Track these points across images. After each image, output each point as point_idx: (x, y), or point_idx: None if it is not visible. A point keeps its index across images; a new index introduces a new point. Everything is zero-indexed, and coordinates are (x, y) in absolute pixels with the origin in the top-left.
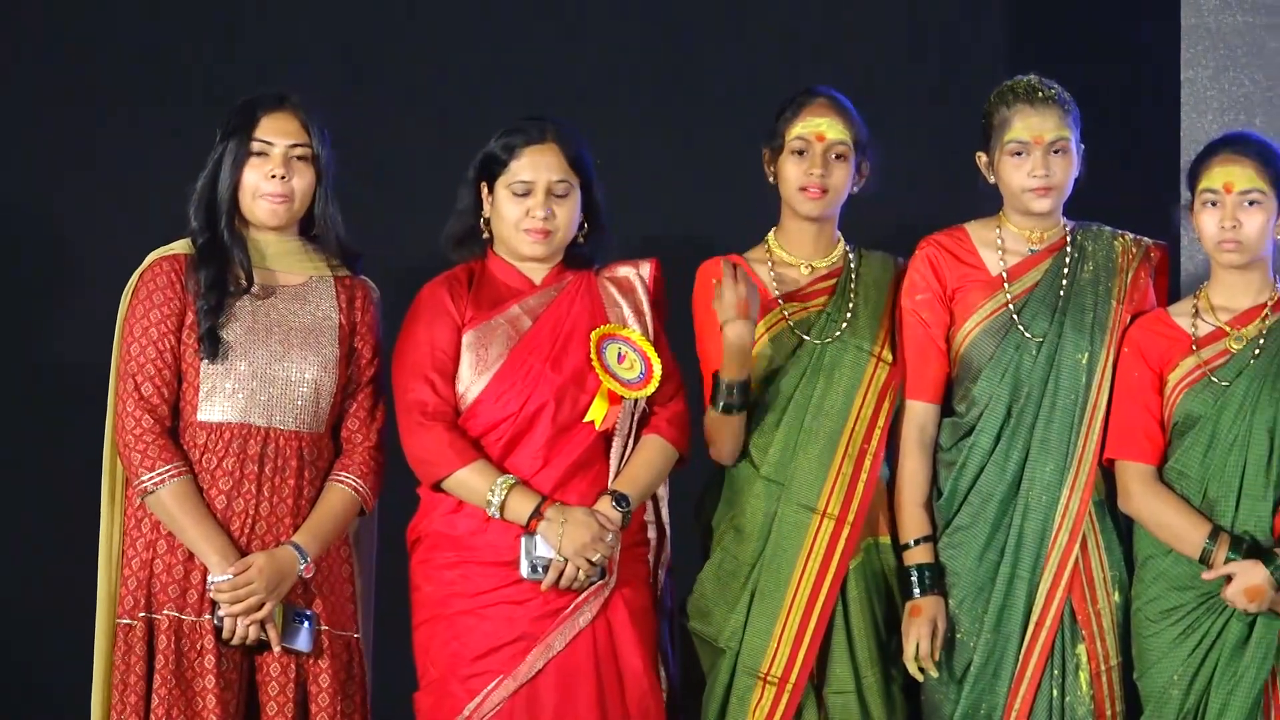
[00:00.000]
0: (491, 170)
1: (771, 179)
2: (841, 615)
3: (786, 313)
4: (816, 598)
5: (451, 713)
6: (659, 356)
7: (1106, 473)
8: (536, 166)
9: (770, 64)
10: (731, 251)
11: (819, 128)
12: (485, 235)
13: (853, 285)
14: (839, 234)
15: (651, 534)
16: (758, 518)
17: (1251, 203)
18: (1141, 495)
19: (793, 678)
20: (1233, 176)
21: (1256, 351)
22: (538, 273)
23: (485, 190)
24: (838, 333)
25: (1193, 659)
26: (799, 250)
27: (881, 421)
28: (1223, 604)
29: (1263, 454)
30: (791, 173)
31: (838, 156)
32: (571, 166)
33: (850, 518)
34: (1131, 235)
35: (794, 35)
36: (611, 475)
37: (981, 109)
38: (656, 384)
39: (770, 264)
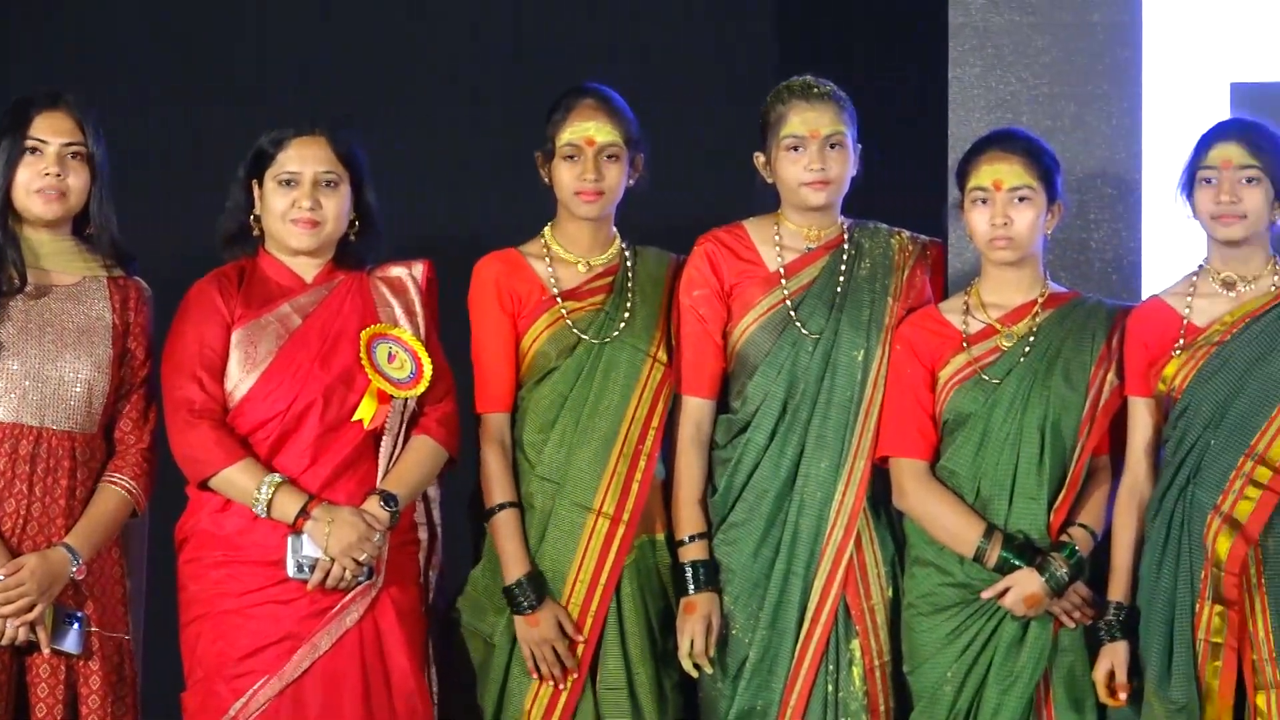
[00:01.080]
0: (260, 165)
1: (546, 180)
2: (615, 612)
3: (565, 310)
4: (592, 596)
5: (217, 712)
6: (430, 357)
7: (881, 469)
8: (304, 158)
9: (543, 61)
10: (507, 246)
11: (588, 131)
12: (256, 233)
13: (630, 283)
14: (615, 230)
15: (423, 535)
16: (533, 516)
17: (1021, 199)
18: (916, 492)
19: (569, 676)
20: (1001, 174)
21: (1027, 349)
22: (309, 271)
23: (256, 187)
24: (615, 332)
25: (965, 657)
26: (576, 247)
27: (656, 421)
28: (995, 603)
29: (1034, 452)
30: (565, 177)
31: (609, 157)
32: (340, 160)
33: (625, 516)
34: (908, 233)
35: (568, 32)
36: (380, 474)
37: (753, 106)
38: (427, 384)
39: (548, 260)
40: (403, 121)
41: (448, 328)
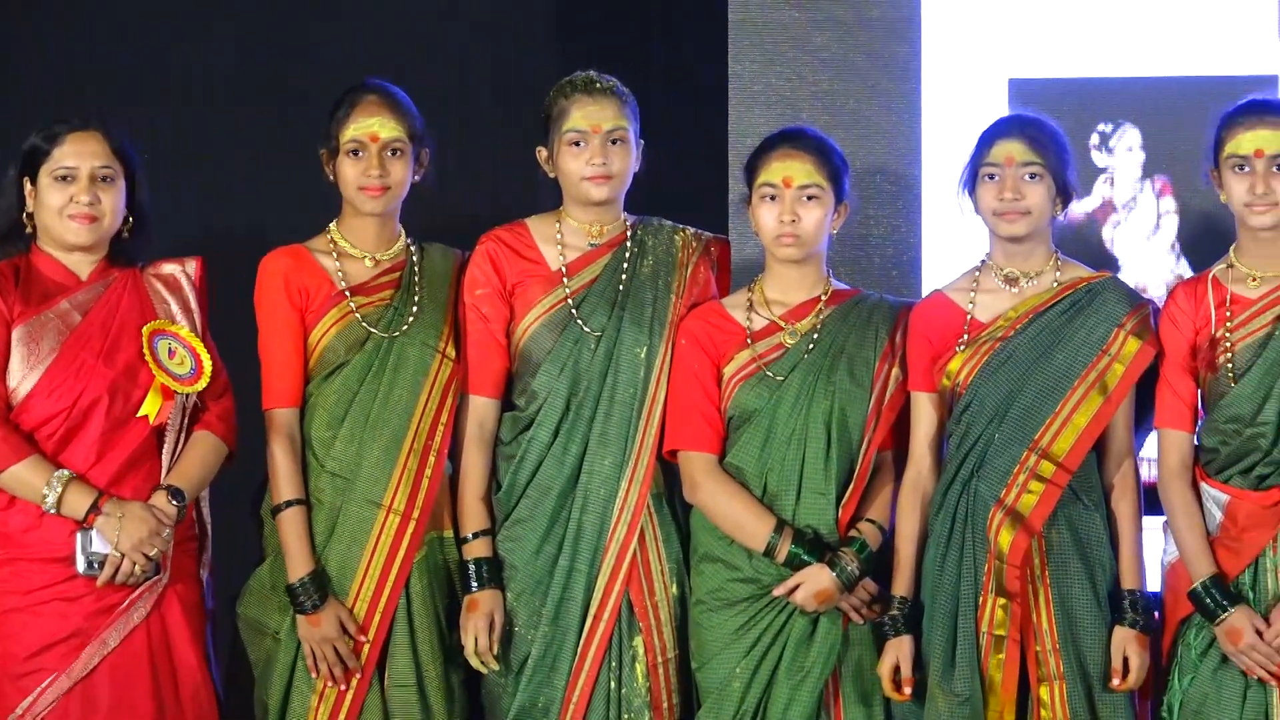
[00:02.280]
0: (34, 161)
1: (331, 177)
2: (405, 609)
3: (354, 305)
4: (381, 592)
5: (4, 712)
6: (208, 353)
7: (667, 465)
8: (80, 153)
9: (324, 58)
10: (291, 243)
11: (372, 128)
12: (29, 230)
13: (417, 279)
14: (400, 227)
15: (196, 531)
16: (321, 512)
17: (810, 198)
18: (707, 485)
19: (352, 675)
20: (791, 171)
21: (811, 346)
22: (84, 267)
23: (29, 184)
24: (404, 327)
25: (755, 652)
26: (362, 243)
27: (445, 417)
28: (785, 599)
29: (820, 448)
30: (350, 173)
31: (394, 153)
32: (115, 155)
33: (416, 513)
34: (692, 230)
35: (350, 29)
36: (164, 470)
37: (535, 102)
38: (208, 379)
39: (335, 255)
40: (178, 118)
41: (226, 324)
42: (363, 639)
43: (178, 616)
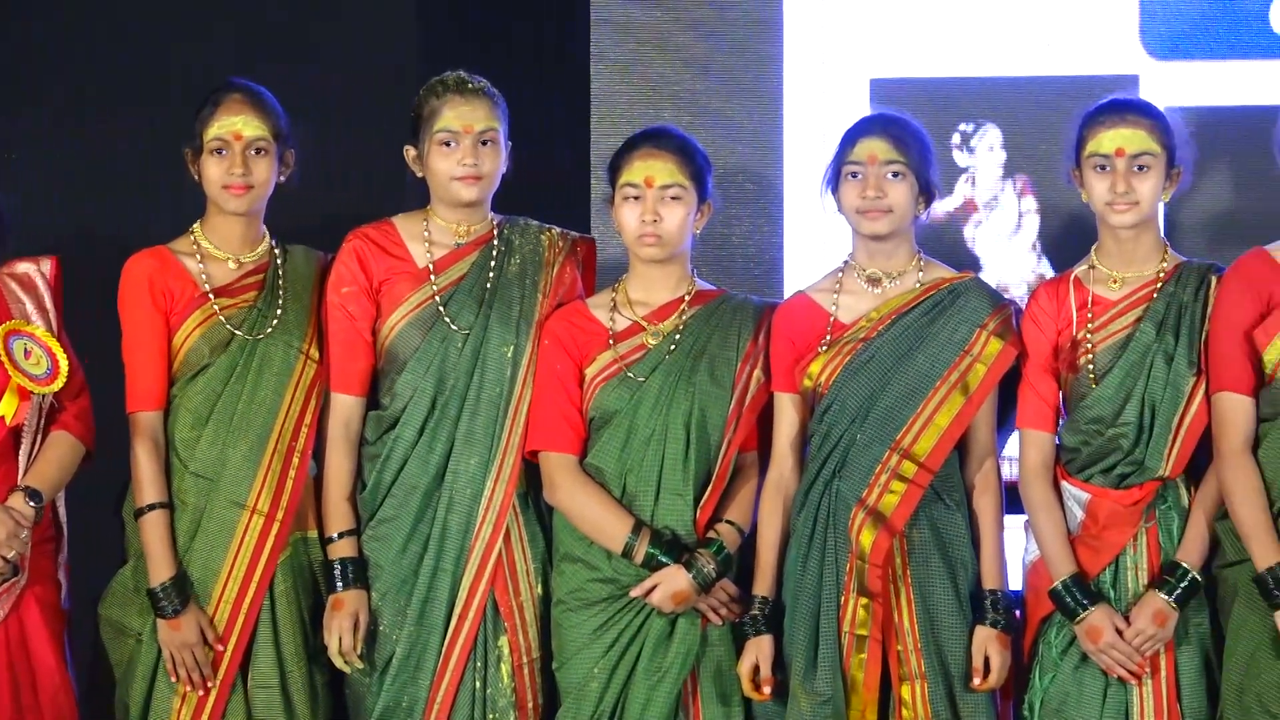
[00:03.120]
0: None
1: (196, 177)
2: (269, 609)
3: (218, 307)
4: (245, 593)
5: None
6: (64, 353)
7: (532, 465)
8: None
9: (186, 59)
10: (156, 244)
11: (235, 126)
12: None
13: (281, 280)
14: (264, 228)
15: (52, 532)
16: (185, 514)
17: (673, 198)
18: (565, 486)
19: (220, 673)
20: (654, 171)
21: (672, 347)
22: None
23: None
24: (269, 329)
25: (613, 652)
26: (226, 244)
27: (309, 418)
28: (643, 599)
29: (680, 449)
30: (213, 172)
31: (258, 152)
32: None
33: (280, 514)
34: (559, 230)
35: (213, 30)
36: (21, 471)
37: (400, 101)
38: (65, 379)
39: (199, 257)
40: (37, 118)
41: (90, 326)
42: (220, 648)
43: (35, 618)
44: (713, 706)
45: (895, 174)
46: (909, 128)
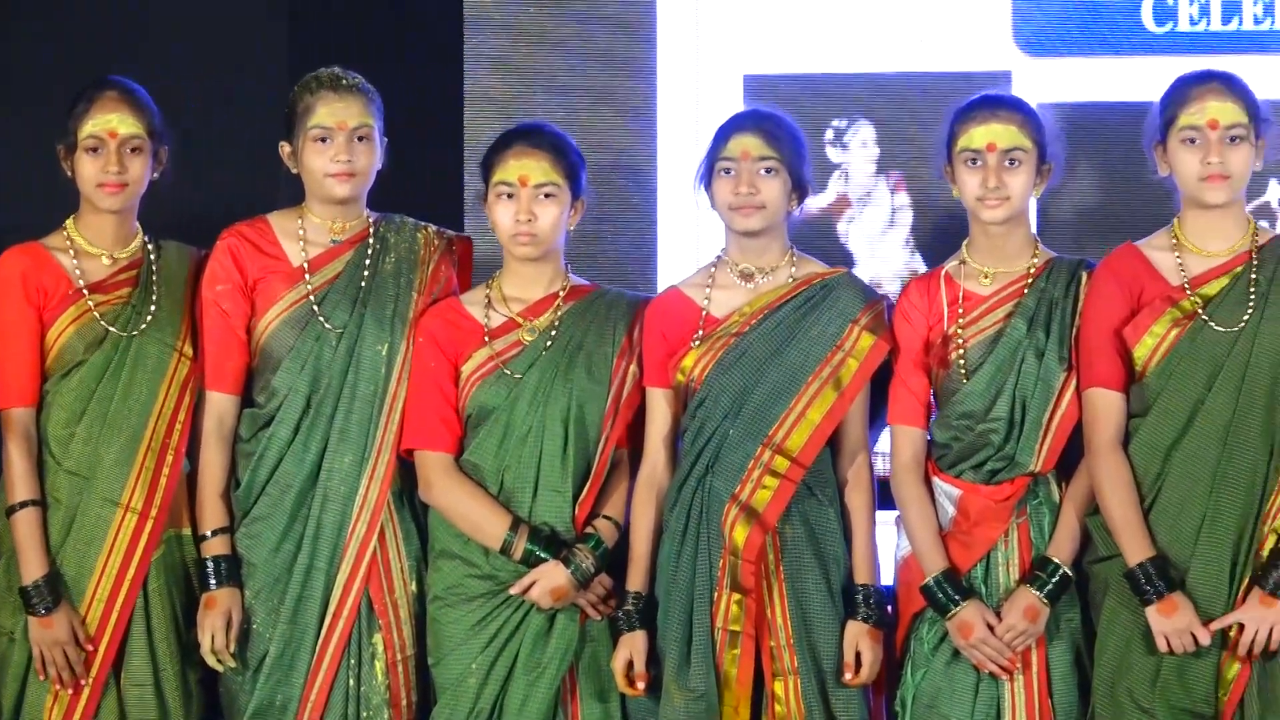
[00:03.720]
0: None
1: (69, 173)
2: (142, 608)
3: (92, 304)
4: (118, 591)
5: None
6: None
7: (407, 462)
8: None
9: (59, 55)
10: (29, 240)
11: (110, 124)
12: None
13: (155, 277)
14: (137, 224)
15: None
16: (58, 511)
17: (547, 195)
18: (441, 485)
19: (92, 672)
20: (528, 170)
21: (548, 343)
22: None
23: None
24: (143, 325)
25: (491, 648)
26: (99, 240)
27: (183, 416)
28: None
29: (558, 446)
30: (88, 170)
31: (132, 150)
32: None
33: (153, 512)
34: (434, 228)
35: (86, 26)
36: None
37: (269, 101)
38: None
39: (72, 253)
40: None
41: None
42: (91, 648)
43: None
44: (591, 703)
45: (768, 170)
46: (782, 124)
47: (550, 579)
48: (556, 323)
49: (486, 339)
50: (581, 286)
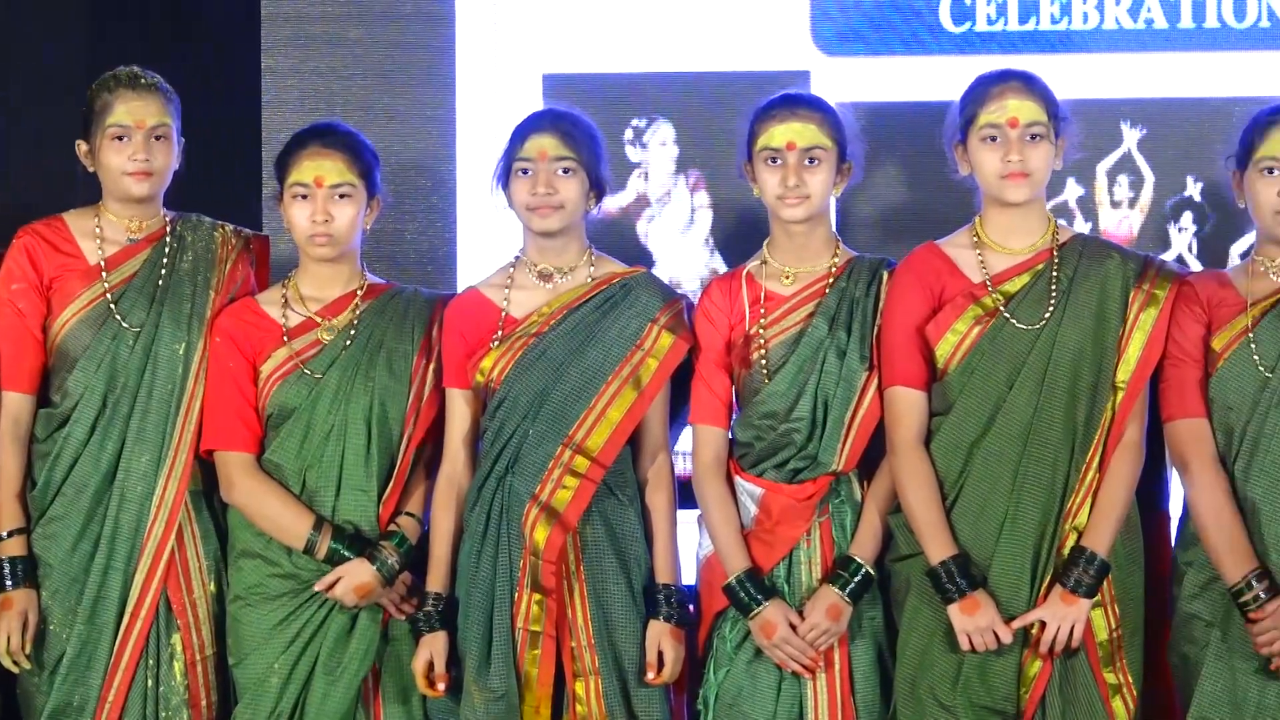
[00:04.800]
0: None
1: None
2: None
3: None
4: None
5: None
6: None
7: (205, 463)
8: None
9: None
10: None
11: None
12: None
13: None
14: None
15: None
16: None
17: (342, 195)
18: (243, 486)
19: None
20: (323, 170)
21: (348, 342)
22: None
23: None
24: None
25: (294, 648)
26: None
27: None
28: (325, 594)
29: (361, 444)
30: None
31: None
32: None
33: None
34: (232, 227)
35: None
36: None
37: (66, 98)
38: None
39: None
40: None
41: None
42: None
43: None
44: (393, 704)
45: (565, 170)
46: (579, 123)
47: (355, 576)
48: (355, 321)
49: (285, 338)
50: (378, 285)
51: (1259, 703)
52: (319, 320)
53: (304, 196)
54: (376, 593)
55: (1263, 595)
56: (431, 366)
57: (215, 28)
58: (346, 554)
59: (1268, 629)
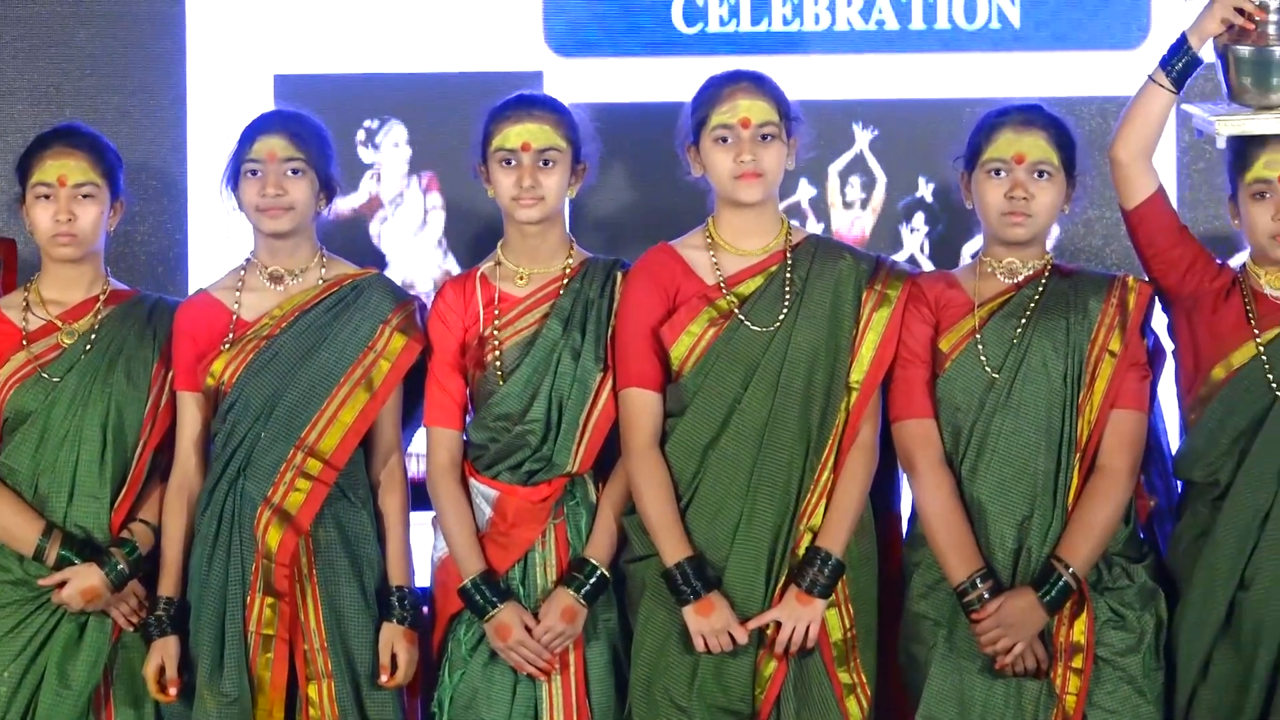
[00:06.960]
0: None
1: None
2: None
3: None
4: None
5: None
6: None
7: None
8: None
9: None
10: None
11: None
12: None
13: None
14: None
15: None
16: None
17: (86, 195)
18: None
19: None
20: (67, 170)
21: (88, 347)
22: None
23: None
24: None
25: (24, 657)
26: None
27: None
28: (55, 603)
29: (95, 450)
30: None
31: None
32: None
33: None
34: None
35: None
36: None
37: None
38: None
39: None
40: None
41: None
42: None
43: None
44: (124, 710)
45: (295, 171)
46: (307, 124)
47: (83, 579)
48: (96, 326)
49: (25, 342)
50: (122, 291)
51: (985, 701)
52: (60, 324)
53: (47, 196)
54: (104, 598)
55: (986, 595)
56: (170, 373)
57: None
58: (76, 560)
59: (989, 629)
